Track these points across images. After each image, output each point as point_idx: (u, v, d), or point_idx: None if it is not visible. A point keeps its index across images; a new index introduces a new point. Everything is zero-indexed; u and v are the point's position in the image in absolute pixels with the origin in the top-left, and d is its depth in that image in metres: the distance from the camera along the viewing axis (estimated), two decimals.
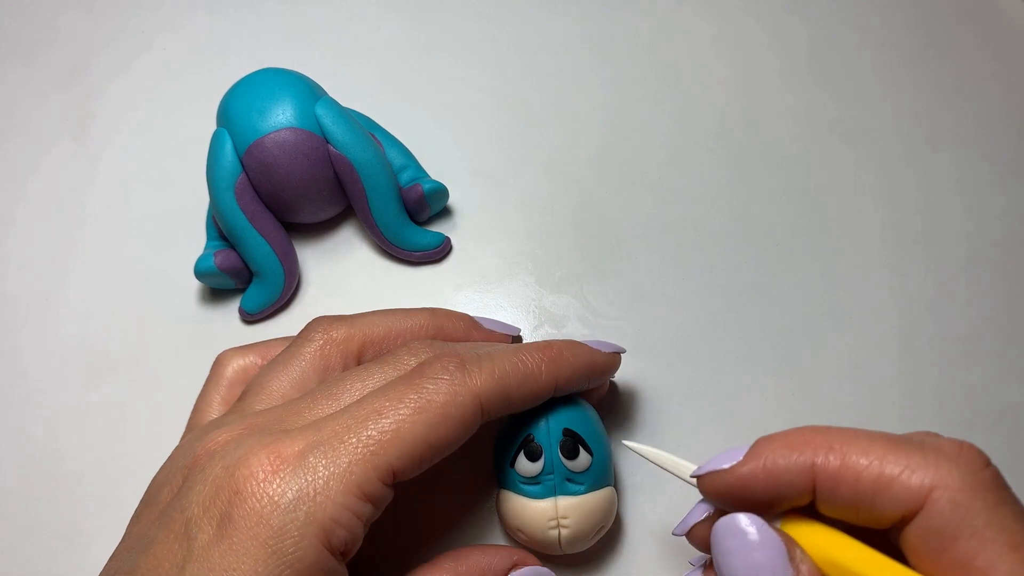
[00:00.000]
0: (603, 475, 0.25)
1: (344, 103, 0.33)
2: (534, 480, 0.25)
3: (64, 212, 0.36)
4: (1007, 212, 0.34)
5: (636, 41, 0.38)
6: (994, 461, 0.29)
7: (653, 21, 0.39)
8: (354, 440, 0.21)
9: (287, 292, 0.33)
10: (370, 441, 0.21)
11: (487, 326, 0.28)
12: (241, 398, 0.25)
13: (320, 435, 0.21)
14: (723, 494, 0.21)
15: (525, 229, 0.34)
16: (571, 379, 0.25)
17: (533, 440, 0.25)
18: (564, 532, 0.25)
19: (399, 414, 0.21)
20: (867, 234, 0.34)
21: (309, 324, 0.26)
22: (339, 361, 0.25)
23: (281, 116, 0.31)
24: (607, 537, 0.27)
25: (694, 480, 0.22)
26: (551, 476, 0.25)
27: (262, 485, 0.20)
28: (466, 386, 0.22)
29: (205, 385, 0.27)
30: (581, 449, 0.25)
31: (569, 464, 0.25)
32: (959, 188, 0.35)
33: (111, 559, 0.23)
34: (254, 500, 0.20)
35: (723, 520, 0.20)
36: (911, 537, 0.18)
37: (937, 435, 0.19)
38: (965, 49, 0.38)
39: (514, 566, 0.24)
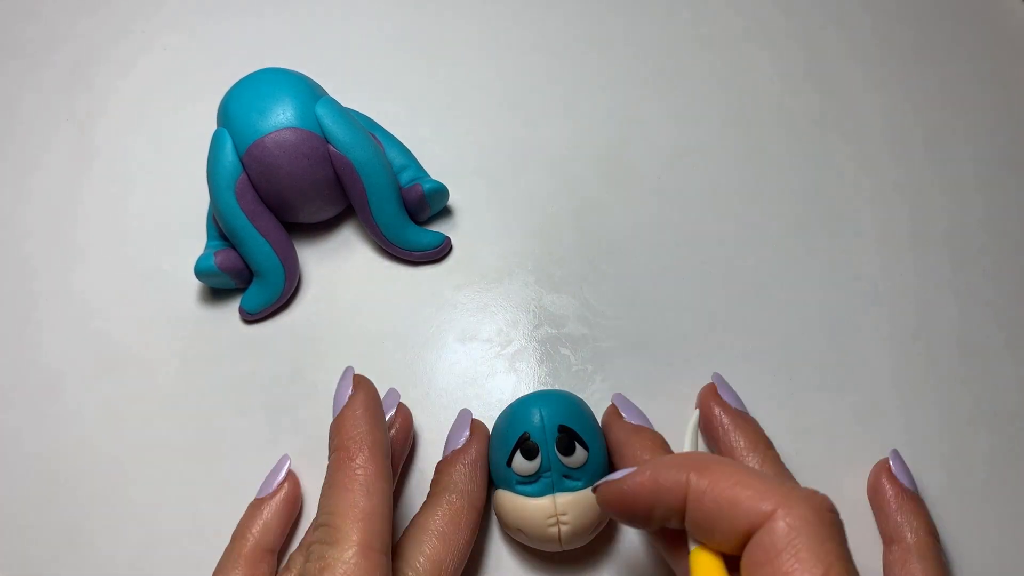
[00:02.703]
0: (600, 469, 0.26)
1: (344, 103, 0.33)
2: (532, 479, 0.25)
3: (64, 212, 0.36)
4: (1008, 211, 0.34)
5: (636, 41, 0.39)
6: (992, 461, 0.29)
7: (653, 22, 0.39)
8: None
9: (287, 292, 0.33)
10: None
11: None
12: None
13: None
14: (615, 502, 0.22)
15: (525, 229, 0.34)
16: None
17: (529, 439, 0.25)
18: (564, 528, 0.25)
19: None
20: (867, 234, 0.34)
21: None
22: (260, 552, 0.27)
23: (281, 116, 0.31)
24: (606, 532, 0.28)
25: None
26: (549, 473, 0.25)
27: None
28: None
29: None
30: (577, 445, 0.25)
31: (566, 460, 0.25)
32: (960, 188, 0.35)
33: None
34: None
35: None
36: (748, 551, 0.20)
37: (800, 486, 0.21)
38: (966, 49, 0.38)
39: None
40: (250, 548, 0.26)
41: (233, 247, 0.32)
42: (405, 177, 0.33)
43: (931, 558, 0.26)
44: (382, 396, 0.26)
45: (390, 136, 0.34)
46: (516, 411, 0.26)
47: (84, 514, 0.30)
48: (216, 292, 0.33)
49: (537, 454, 0.25)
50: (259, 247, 0.31)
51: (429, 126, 0.36)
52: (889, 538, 0.27)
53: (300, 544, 0.27)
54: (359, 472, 0.23)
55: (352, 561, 0.21)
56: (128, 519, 0.29)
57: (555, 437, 0.25)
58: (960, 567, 0.28)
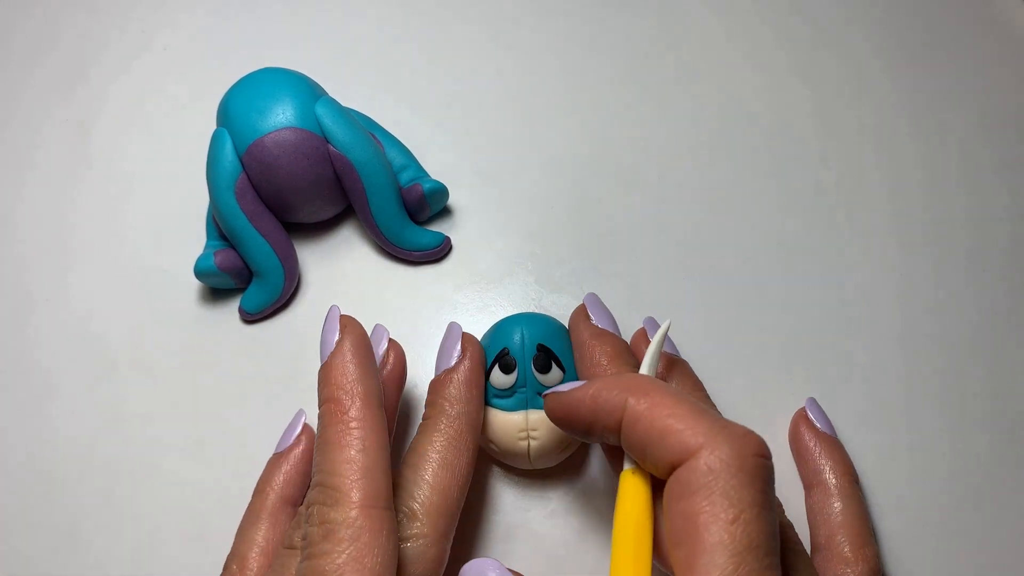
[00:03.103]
0: None
1: (344, 103, 0.33)
2: (507, 392, 0.26)
3: (64, 212, 0.36)
4: (1008, 212, 0.34)
5: (636, 41, 0.39)
6: (992, 460, 0.29)
7: (653, 21, 0.39)
8: None
9: (287, 292, 0.33)
10: None
11: None
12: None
13: None
14: (557, 411, 0.23)
15: (525, 229, 0.34)
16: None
17: (508, 353, 0.26)
18: (533, 444, 0.26)
19: None
20: (868, 234, 0.34)
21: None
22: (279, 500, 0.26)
23: (281, 116, 0.31)
24: (576, 456, 0.29)
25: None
26: (523, 389, 0.26)
27: None
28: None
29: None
30: (553, 364, 0.26)
31: (541, 378, 0.26)
32: (961, 188, 0.35)
33: None
34: None
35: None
36: (669, 484, 0.20)
37: (737, 423, 0.21)
38: (966, 49, 0.38)
39: None
40: (272, 502, 0.26)
41: (233, 247, 0.32)
42: (405, 177, 0.33)
43: (850, 497, 0.26)
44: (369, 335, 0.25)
45: (390, 136, 0.34)
46: (500, 328, 0.27)
47: (83, 514, 0.30)
48: (216, 292, 0.33)
49: (514, 369, 0.26)
50: (259, 247, 0.31)
51: (429, 126, 0.36)
52: (809, 482, 0.27)
53: (303, 506, 0.25)
54: (353, 426, 0.22)
55: (357, 523, 0.21)
56: (127, 519, 0.29)
57: (533, 355, 0.26)
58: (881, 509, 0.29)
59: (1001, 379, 0.31)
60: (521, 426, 0.26)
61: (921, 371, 0.31)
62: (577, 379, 0.27)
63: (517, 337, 0.27)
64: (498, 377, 0.26)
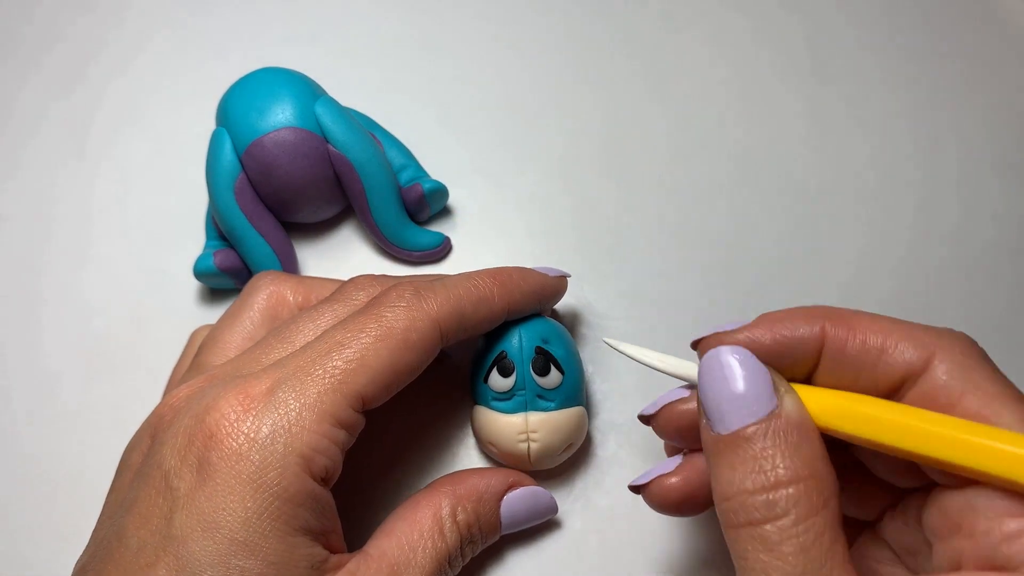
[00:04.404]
0: (573, 394, 0.27)
1: (344, 103, 0.33)
2: (506, 395, 0.26)
3: (63, 212, 0.36)
4: (1008, 212, 0.34)
5: (637, 41, 0.38)
6: None
7: (653, 21, 0.39)
8: (320, 372, 0.21)
9: None
10: (336, 371, 0.21)
11: None
12: (196, 355, 0.26)
13: (285, 371, 0.21)
14: None
15: (525, 229, 0.34)
16: (522, 302, 0.26)
17: (506, 356, 0.26)
18: (533, 446, 0.26)
19: (362, 343, 0.22)
20: (868, 235, 0.34)
21: (255, 277, 0.28)
22: (288, 312, 0.26)
23: (280, 115, 0.31)
24: (577, 455, 0.29)
25: (687, 370, 0.22)
26: (523, 392, 0.26)
27: (235, 425, 0.20)
28: (423, 311, 0.23)
29: (235, 311, 0.27)
30: (552, 367, 0.26)
31: (540, 381, 0.26)
32: (960, 188, 0.34)
33: (95, 530, 0.23)
34: (230, 440, 0.20)
35: (710, 352, 0.20)
36: (916, 398, 0.19)
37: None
38: (966, 49, 0.38)
39: (510, 487, 0.26)
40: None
41: (232, 247, 0.32)
42: (405, 177, 0.33)
43: None
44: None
45: (390, 136, 0.34)
46: (497, 331, 0.27)
47: (84, 514, 0.30)
48: (216, 292, 0.33)
49: (512, 372, 0.26)
50: (258, 247, 0.31)
51: (429, 125, 0.36)
52: None
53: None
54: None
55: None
56: None
57: (531, 357, 0.26)
58: None
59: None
60: (521, 428, 0.26)
61: None
62: (581, 381, 0.28)
63: (515, 340, 0.27)
64: (497, 380, 0.26)
